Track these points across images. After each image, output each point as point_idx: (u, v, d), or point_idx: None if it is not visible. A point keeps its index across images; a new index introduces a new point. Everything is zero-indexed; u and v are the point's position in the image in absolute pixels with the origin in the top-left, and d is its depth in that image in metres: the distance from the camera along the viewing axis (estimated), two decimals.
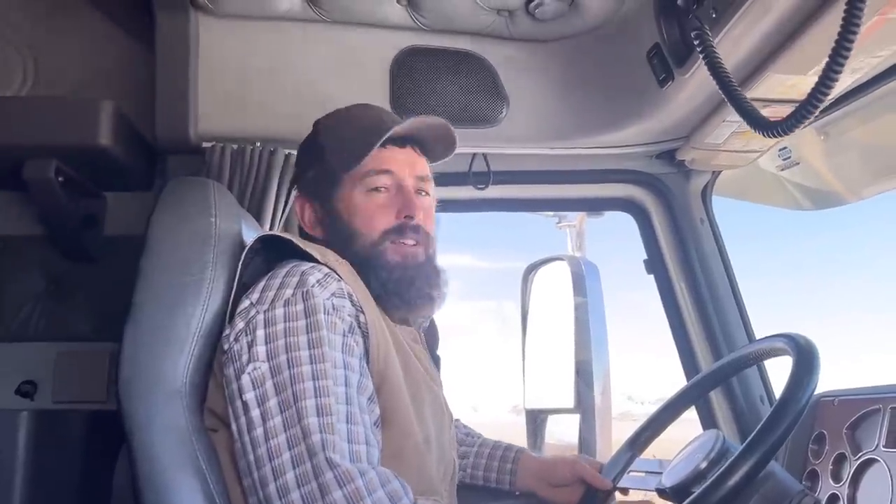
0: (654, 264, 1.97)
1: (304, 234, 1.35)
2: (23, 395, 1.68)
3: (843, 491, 1.47)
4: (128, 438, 1.08)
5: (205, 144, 1.69)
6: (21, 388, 1.68)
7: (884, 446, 1.42)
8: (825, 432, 1.58)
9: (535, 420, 2.37)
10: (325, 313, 1.08)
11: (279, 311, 1.09)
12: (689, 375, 1.90)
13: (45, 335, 1.74)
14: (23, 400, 1.67)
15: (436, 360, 1.41)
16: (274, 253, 1.24)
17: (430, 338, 1.44)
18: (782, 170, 1.98)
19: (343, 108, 1.39)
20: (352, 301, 1.13)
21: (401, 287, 1.26)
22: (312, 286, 1.10)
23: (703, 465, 1.19)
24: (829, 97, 1.38)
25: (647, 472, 1.44)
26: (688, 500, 1.10)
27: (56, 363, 1.70)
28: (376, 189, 1.29)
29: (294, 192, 1.37)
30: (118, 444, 1.16)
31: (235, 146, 1.68)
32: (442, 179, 1.83)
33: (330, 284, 1.12)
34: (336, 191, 1.30)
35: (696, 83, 1.46)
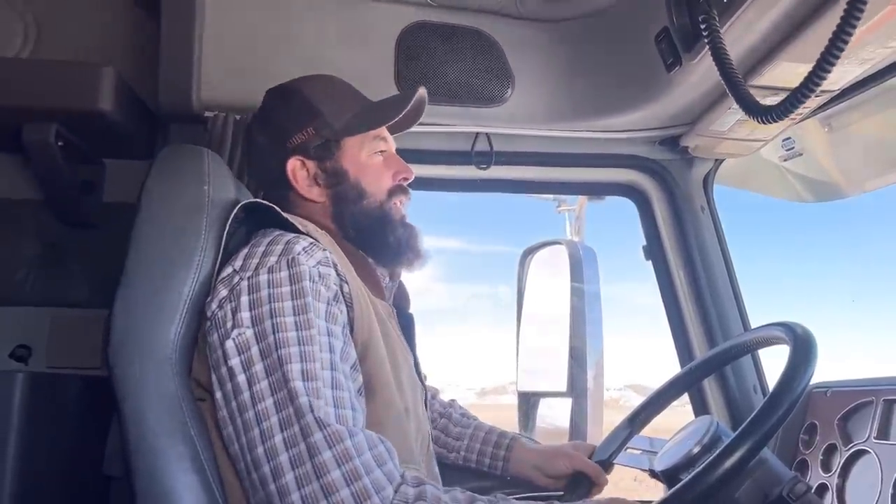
0: (653, 251, 1.97)
1: (278, 200, 1.32)
2: (17, 359, 1.68)
3: (833, 481, 1.48)
4: (118, 404, 1.08)
5: (207, 113, 1.67)
6: (15, 353, 1.68)
7: (875, 438, 1.43)
8: (817, 423, 1.59)
9: (528, 402, 2.38)
10: (310, 281, 1.09)
11: (263, 278, 1.09)
12: (683, 362, 1.90)
13: (41, 300, 1.73)
14: (17, 364, 1.67)
15: (409, 320, 1.43)
16: (256, 223, 1.24)
17: (401, 297, 1.45)
18: (785, 160, 1.97)
19: (310, 76, 1.41)
20: (336, 271, 1.14)
21: (411, 241, 1.36)
22: (298, 254, 1.11)
23: (696, 450, 1.19)
24: (829, 86, 1.39)
25: (642, 450, 1.45)
26: (678, 485, 1.11)
27: (51, 328, 1.70)
28: (377, 153, 1.37)
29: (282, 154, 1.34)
30: (112, 410, 1.16)
31: (238, 116, 1.66)
32: (444, 158, 1.85)
33: (315, 253, 1.13)
34: (338, 151, 1.34)
35: (703, 69, 1.45)
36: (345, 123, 1.35)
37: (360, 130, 1.35)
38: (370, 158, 1.36)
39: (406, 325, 1.40)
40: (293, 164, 1.33)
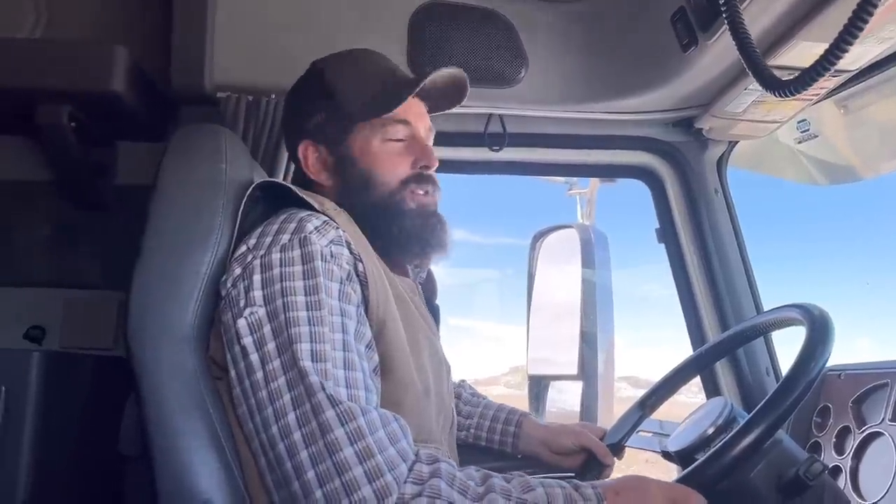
0: (666, 233, 1.96)
1: (301, 181, 1.34)
2: (31, 340, 1.69)
3: (846, 463, 1.48)
4: (136, 383, 1.08)
5: (220, 94, 1.67)
6: (29, 333, 1.69)
7: (889, 420, 1.43)
8: (830, 405, 1.59)
9: (539, 386, 2.39)
10: (322, 260, 1.08)
11: (275, 256, 1.08)
12: (696, 345, 1.89)
13: (54, 281, 1.74)
14: (31, 344, 1.68)
15: (435, 310, 1.42)
16: (273, 202, 1.24)
17: (429, 288, 1.44)
18: (800, 143, 1.96)
19: (343, 52, 1.38)
20: (350, 249, 1.13)
21: (422, 233, 1.30)
22: (310, 233, 1.10)
23: (710, 431, 1.20)
24: (848, 65, 1.37)
25: (654, 432, 1.46)
26: (692, 466, 1.11)
27: (64, 309, 1.71)
28: (394, 138, 1.31)
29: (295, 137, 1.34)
30: (125, 389, 1.16)
31: (251, 97, 1.66)
32: (457, 140, 1.84)
33: (328, 232, 1.12)
34: (350, 137, 1.30)
35: (719, 49, 1.44)
36: (358, 107, 1.30)
37: (372, 115, 1.29)
38: (384, 145, 1.30)
39: (431, 315, 1.38)
40: (304, 147, 1.32)
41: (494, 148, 1.85)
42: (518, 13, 1.74)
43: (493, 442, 1.54)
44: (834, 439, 1.54)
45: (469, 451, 1.52)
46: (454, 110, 1.54)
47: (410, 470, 0.98)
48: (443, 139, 1.66)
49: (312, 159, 1.32)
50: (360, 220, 1.26)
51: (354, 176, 1.29)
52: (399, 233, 1.28)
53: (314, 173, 1.32)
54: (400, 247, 1.30)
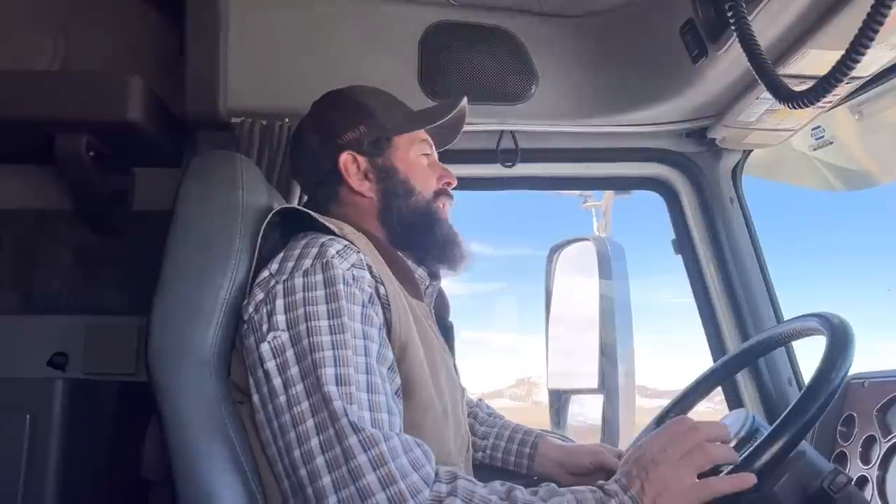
0: (683, 244, 1.95)
1: (315, 206, 1.36)
2: (55, 367, 1.71)
3: (873, 473, 1.46)
4: (158, 408, 1.10)
5: (234, 120, 1.69)
6: (53, 360, 1.71)
7: None
8: (855, 414, 1.56)
9: (559, 400, 2.38)
10: (344, 284, 1.09)
11: (298, 281, 1.09)
12: (715, 356, 1.88)
13: (76, 308, 1.76)
14: (54, 371, 1.70)
15: (448, 328, 1.43)
16: (291, 227, 1.25)
17: (441, 306, 1.45)
18: (815, 149, 1.94)
19: (357, 85, 1.45)
20: (371, 273, 1.14)
21: (457, 240, 1.39)
22: (332, 257, 1.11)
23: (733, 443, 1.18)
24: (860, 72, 1.37)
25: None
26: (716, 479, 1.10)
27: (86, 336, 1.73)
28: (423, 153, 1.42)
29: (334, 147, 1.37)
30: (148, 414, 1.18)
31: (265, 122, 1.68)
32: (469, 157, 1.85)
33: (349, 256, 1.13)
34: (389, 149, 1.37)
35: (730, 59, 1.44)
36: (395, 122, 1.39)
37: (411, 129, 1.40)
38: (418, 159, 1.40)
39: (445, 333, 1.39)
40: (345, 158, 1.35)
41: (507, 164, 1.86)
42: (527, 29, 1.75)
43: (508, 463, 1.53)
44: (860, 449, 1.51)
45: (485, 472, 1.51)
46: (466, 128, 1.56)
47: (431, 491, 0.99)
48: (455, 157, 1.68)
49: (353, 169, 1.36)
50: (399, 228, 1.33)
51: (396, 183, 1.36)
52: (441, 237, 1.37)
53: (356, 182, 1.36)
54: (441, 250, 1.37)
